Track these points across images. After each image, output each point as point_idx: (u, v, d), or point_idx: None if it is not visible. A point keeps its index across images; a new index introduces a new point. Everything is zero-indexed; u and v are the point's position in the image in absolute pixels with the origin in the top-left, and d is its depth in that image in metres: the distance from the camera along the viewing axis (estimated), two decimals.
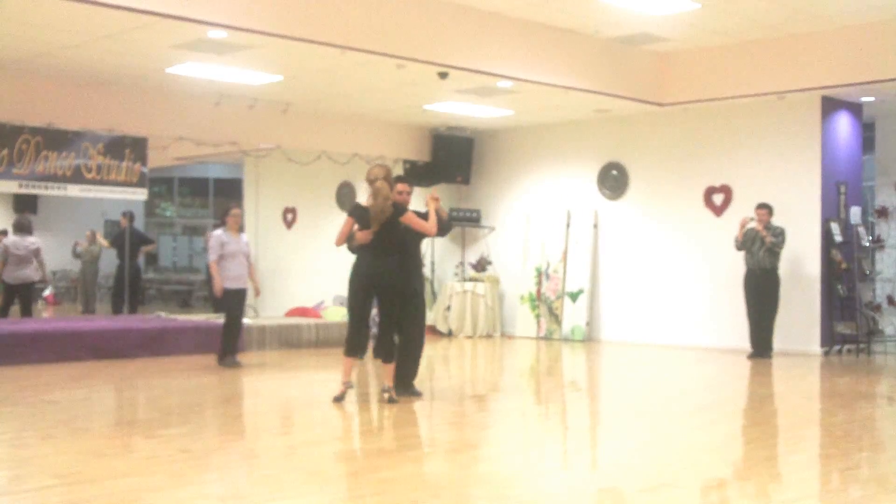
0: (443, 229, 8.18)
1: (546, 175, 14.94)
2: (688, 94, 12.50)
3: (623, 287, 13.98)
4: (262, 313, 16.44)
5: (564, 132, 14.68)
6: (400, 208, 7.72)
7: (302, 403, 8.44)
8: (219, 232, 10.20)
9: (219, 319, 10.85)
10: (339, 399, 7.70)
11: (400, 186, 7.92)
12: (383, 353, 7.74)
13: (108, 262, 18.73)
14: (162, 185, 26.44)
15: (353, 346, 7.74)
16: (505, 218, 15.43)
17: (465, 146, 15.40)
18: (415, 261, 8.17)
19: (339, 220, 17.08)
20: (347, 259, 7.89)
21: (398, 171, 15.54)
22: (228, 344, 10.32)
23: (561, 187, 14.73)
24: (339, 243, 7.85)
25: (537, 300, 14.67)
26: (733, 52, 11.94)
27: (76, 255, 18.89)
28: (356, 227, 7.69)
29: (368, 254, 7.69)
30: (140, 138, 12.71)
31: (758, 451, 6.35)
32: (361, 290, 7.70)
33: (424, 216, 7.86)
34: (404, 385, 8.00)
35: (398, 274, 7.72)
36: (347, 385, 7.75)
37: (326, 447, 6.29)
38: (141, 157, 12.73)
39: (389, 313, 7.78)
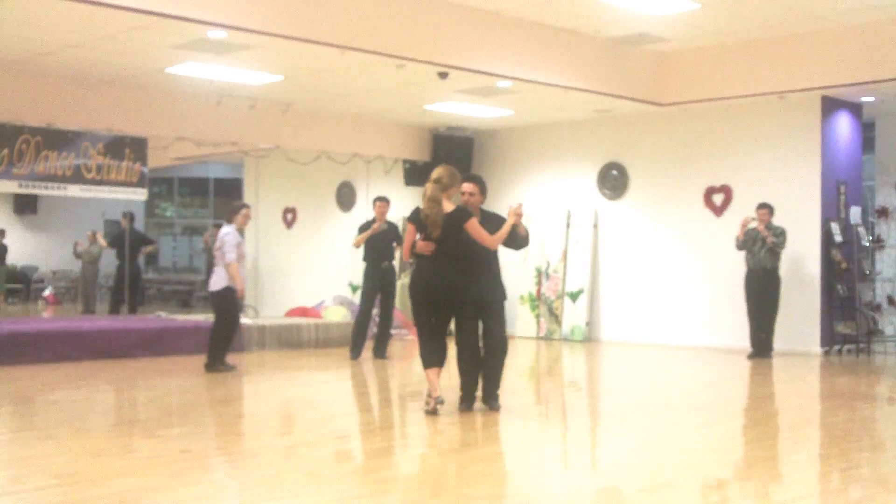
0: (516, 244, 7.34)
1: (546, 175, 14.94)
2: (688, 94, 12.50)
3: (623, 287, 13.98)
4: (262, 313, 16.44)
5: (564, 132, 14.68)
6: (463, 212, 6.92)
7: (302, 403, 8.45)
8: (231, 230, 9.74)
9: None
10: (431, 413, 7.08)
11: (466, 186, 7.06)
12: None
13: (109, 262, 18.74)
14: (162, 185, 26.44)
15: (429, 359, 7.06)
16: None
17: (465, 146, 15.40)
18: (489, 268, 7.19)
19: (339, 220, 17.34)
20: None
21: (398, 171, 15.56)
22: (226, 347, 10.04)
23: (561, 187, 14.73)
24: (406, 258, 7.12)
25: (537, 300, 14.66)
26: (733, 52, 11.94)
27: (76, 255, 18.89)
28: (419, 235, 6.92)
29: (428, 262, 6.96)
30: (140, 138, 12.71)
31: (758, 451, 6.36)
32: (423, 302, 7.01)
33: (501, 223, 7.09)
34: (487, 398, 7.28)
35: (463, 283, 6.94)
36: (437, 400, 7.05)
37: (326, 447, 6.29)
38: (141, 157, 12.73)
39: (461, 326, 7.06)
